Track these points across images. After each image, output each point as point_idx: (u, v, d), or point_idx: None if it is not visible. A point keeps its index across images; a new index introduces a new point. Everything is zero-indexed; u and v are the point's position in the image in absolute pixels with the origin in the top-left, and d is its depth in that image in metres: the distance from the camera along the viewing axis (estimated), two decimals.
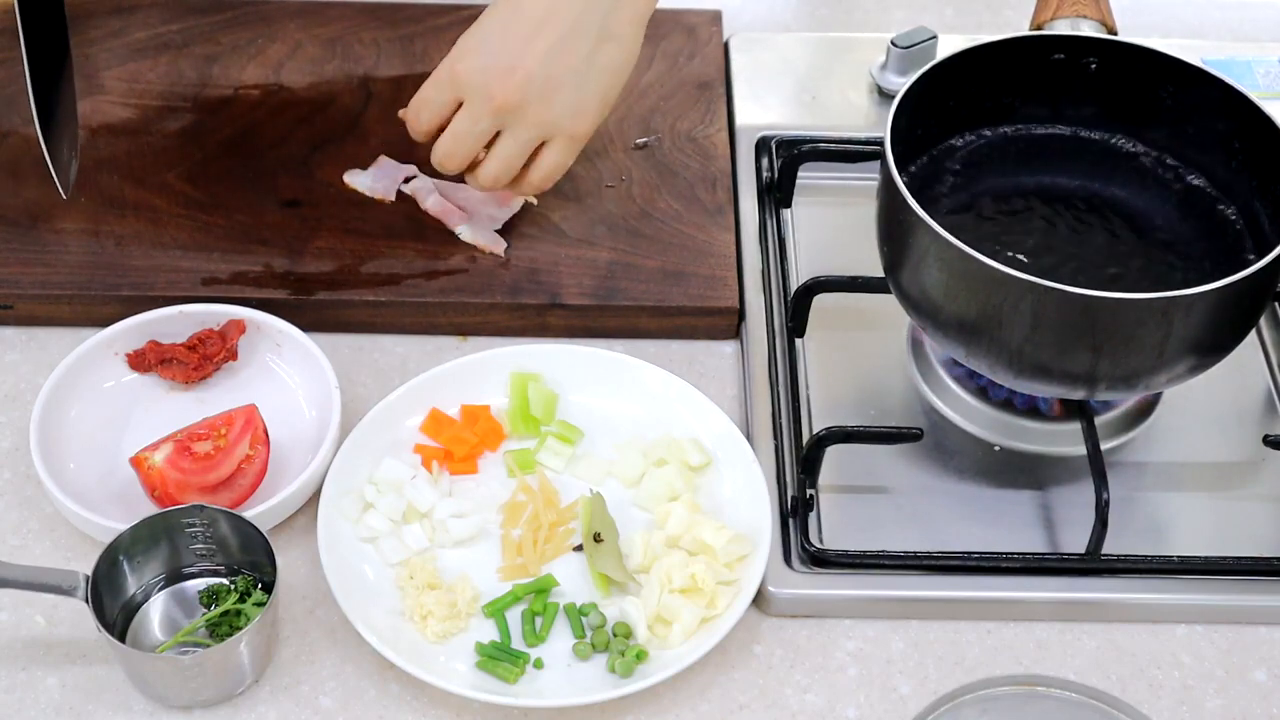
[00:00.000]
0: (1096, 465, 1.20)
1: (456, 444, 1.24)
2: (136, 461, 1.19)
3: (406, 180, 1.38)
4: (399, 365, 1.31)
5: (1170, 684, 1.16)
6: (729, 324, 1.33)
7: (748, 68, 1.51)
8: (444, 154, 1.28)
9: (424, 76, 1.35)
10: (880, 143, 1.19)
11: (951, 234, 1.13)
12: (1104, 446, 1.23)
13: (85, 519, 1.16)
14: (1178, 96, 1.26)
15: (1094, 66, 1.27)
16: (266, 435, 1.21)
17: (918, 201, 1.15)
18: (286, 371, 1.28)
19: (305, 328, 1.27)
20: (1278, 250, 1.12)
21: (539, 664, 1.14)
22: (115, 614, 1.12)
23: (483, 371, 1.27)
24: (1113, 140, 1.30)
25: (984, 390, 1.27)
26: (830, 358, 1.31)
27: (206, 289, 1.31)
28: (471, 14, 1.50)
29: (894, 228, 1.20)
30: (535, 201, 1.36)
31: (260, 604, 1.11)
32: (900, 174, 1.17)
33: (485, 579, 1.18)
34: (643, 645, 1.14)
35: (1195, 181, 1.27)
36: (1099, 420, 1.24)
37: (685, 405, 1.25)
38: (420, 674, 1.10)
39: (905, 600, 1.18)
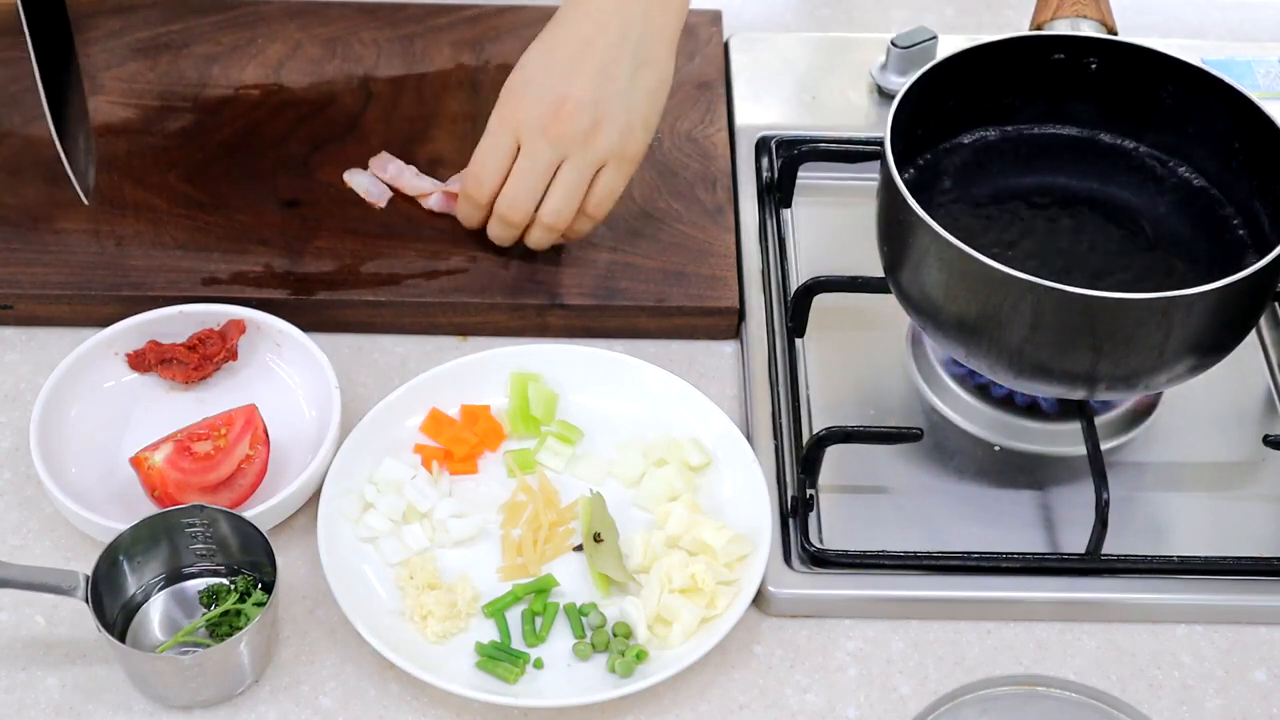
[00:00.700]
0: (1096, 465, 1.20)
1: (456, 444, 1.24)
2: (136, 461, 1.19)
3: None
4: (399, 365, 1.31)
5: (1170, 684, 1.16)
6: (729, 324, 1.33)
7: (748, 68, 1.51)
8: (510, 200, 1.28)
9: (424, 76, 1.35)
10: (880, 143, 1.19)
11: (951, 234, 1.13)
12: (1104, 446, 1.23)
13: (85, 519, 1.16)
14: (1178, 96, 1.26)
15: (1094, 66, 1.27)
16: (266, 435, 1.21)
17: (918, 201, 1.15)
18: (286, 371, 1.28)
19: (305, 328, 1.27)
20: (1278, 250, 1.12)
21: (539, 664, 1.14)
22: (115, 614, 1.12)
23: (483, 371, 1.27)
24: (1113, 140, 1.30)
25: (984, 390, 1.27)
26: (830, 358, 1.31)
27: (206, 289, 1.31)
28: (471, 14, 1.51)
29: (894, 228, 1.20)
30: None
31: (260, 604, 1.11)
32: (900, 174, 1.17)
33: (485, 579, 1.18)
34: (643, 645, 1.14)
35: (1195, 181, 1.27)
36: (1099, 420, 1.24)
37: (685, 405, 1.25)
38: (420, 674, 1.10)
39: (905, 600, 1.18)
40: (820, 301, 1.30)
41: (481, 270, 1.34)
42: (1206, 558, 1.19)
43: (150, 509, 1.16)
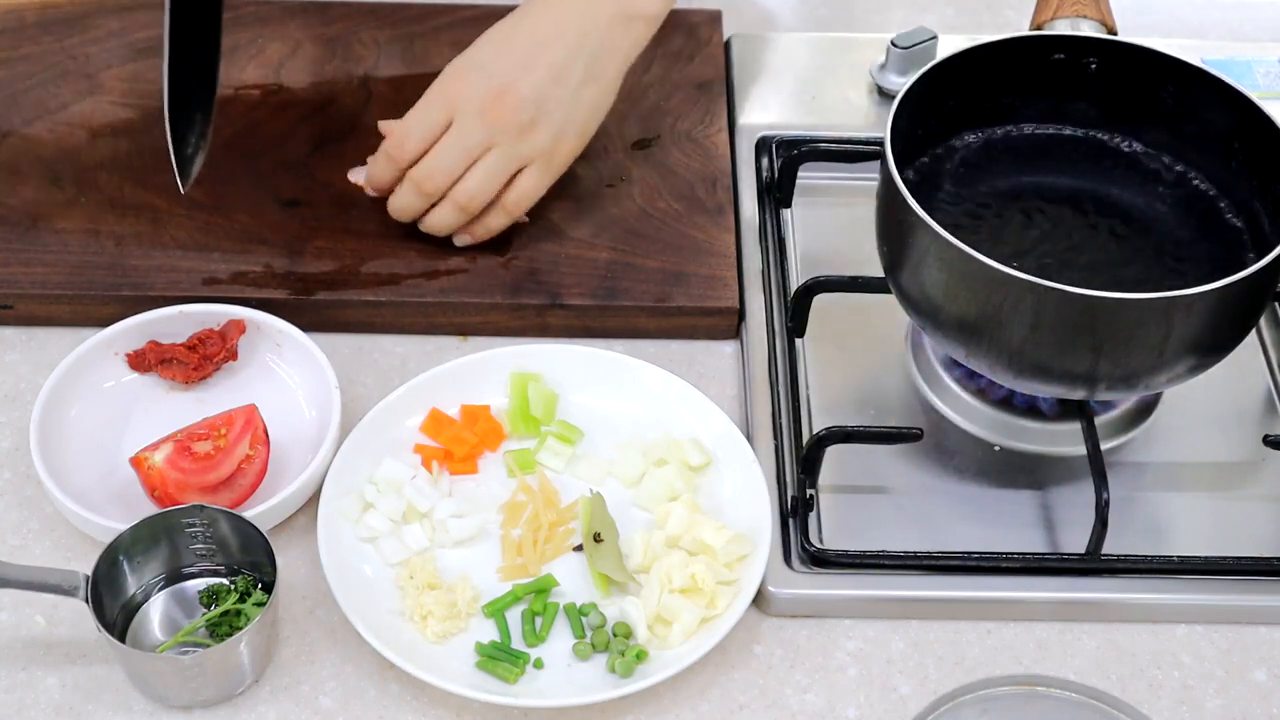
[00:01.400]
0: (1096, 465, 1.20)
1: (456, 444, 1.24)
2: (136, 461, 1.19)
3: None
4: (399, 365, 1.31)
5: (1170, 684, 1.16)
6: (729, 324, 1.33)
7: (748, 68, 1.51)
8: (428, 170, 1.29)
9: (424, 76, 1.35)
10: (880, 143, 1.19)
11: (951, 234, 1.13)
12: (1104, 446, 1.23)
13: (85, 519, 1.16)
14: (1178, 96, 1.26)
15: (1094, 66, 1.27)
16: (266, 435, 1.21)
17: (918, 201, 1.15)
18: (286, 371, 1.28)
19: (305, 328, 1.27)
20: (1278, 250, 1.12)
21: (539, 664, 1.14)
22: (115, 614, 1.12)
23: (483, 371, 1.27)
24: (1113, 140, 1.30)
25: (984, 390, 1.27)
26: (830, 358, 1.31)
27: (206, 289, 1.31)
28: (471, 14, 1.51)
29: (894, 228, 1.20)
30: (527, 219, 1.36)
31: (260, 604, 1.11)
32: (900, 174, 1.17)
33: (485, 579, 1.18)
34: (643, 645, 1.14)
35: (1195, 181, 1.27)
36: (1099, 420, 1.24)
37: (685, 405, 1.25)
38: (420, 674, 1.10)
39: (905, 600, 1.18)
40: (820, 301, 1.30)
41: (481, 270, 1.34)
42: (1206, 558, 1.19)
43: (150, 509, 1.16)
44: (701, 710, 1.13)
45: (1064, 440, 1.25)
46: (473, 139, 1.28)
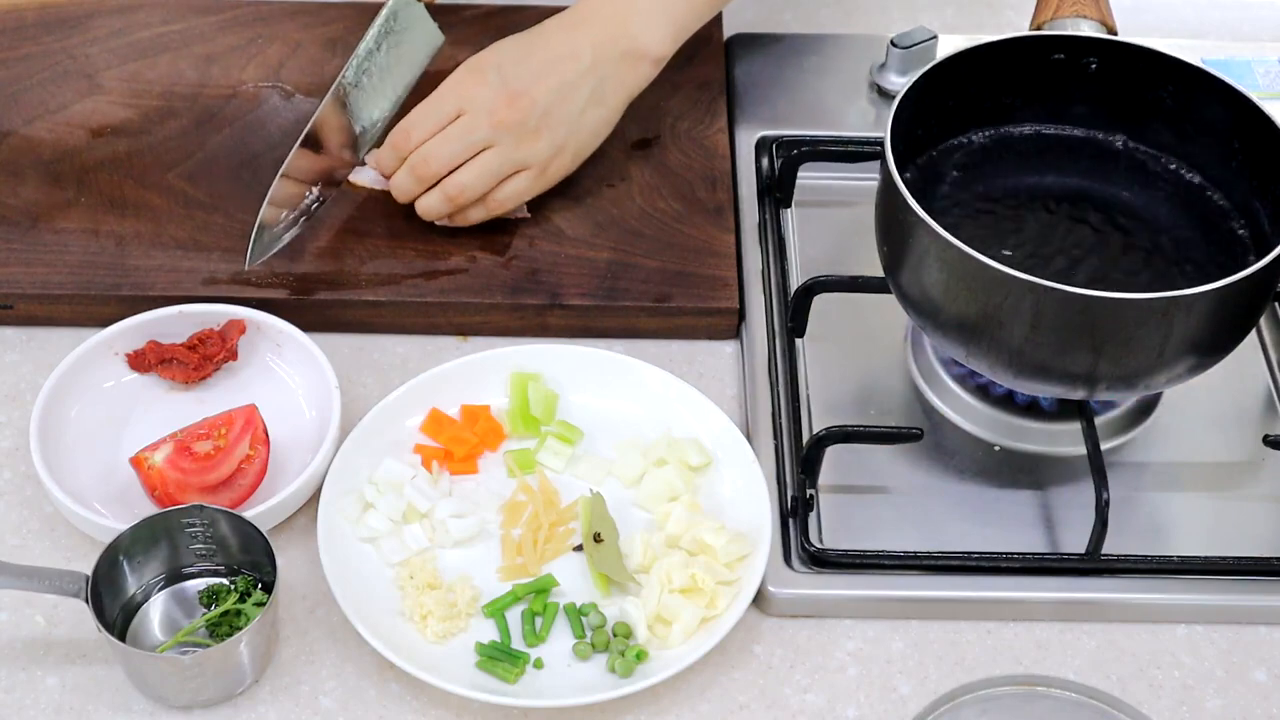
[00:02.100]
0: (1096, 465, 1.20)
1: (456, 444, 1.24)
2: (136, 461, 1.19)
3: None
4: (399, 365, 1.31)
5: (1170, 684, 1.16)
6: (729, 324, 1.33)
7: (748, 68, 1.51)
8: (426, 154, 1.31)
9: (424, 76, 1.35)
10: (880, 143, 1.19)
11: (951, 234, 1.13)
12: (1104, 446, 1.23)
13: (85, 519, 1.16)
14: (1178, 96, 1.26)
15: (1094, 66, 1.27)
16: (266, 435, 1.21)
17: (918, 201, 1.15)
18: (286, 371, 1.28)
19: (305, 328, 1.27)
20: (1278, 250, 1.12)
21: (539, 664, 1.14)
22: (115, 614, 1.12)
23: (483, 371, 1.27)
24: (1113, 140, 1.30)
25: (984, 390, 1.27)
26: (830, 358, 1.31)
27: (206, 289, 1.31)
28: (471, 14, 1.51)
29: (894, 228, 1.20)
30: (528, 215, 1.36)
31: (260, 604, 1.11)
32: (900, 174, 1.17)
33: (485, 579, 1.18)
34: (643, 645, 1.14)
35: (1195, 181, 1.27)
36: (1099, 420, 1.24)
37: (685, 405, 1.25)
38: (420, 674, 1.10)
39: (905, 600, 1.18)
40: (820, 301, 1.30)
41: (481, 270, 1.34)
42: (1206, 558, 1.19)
43: (150, 509, 1.16)
44: (701, 710, 1.13)
45: (1064, 440, 1.25)
46: (476, 135, 1.30)
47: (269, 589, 1.11)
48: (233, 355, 1.27)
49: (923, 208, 1.15)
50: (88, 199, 1.37)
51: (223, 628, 1.11)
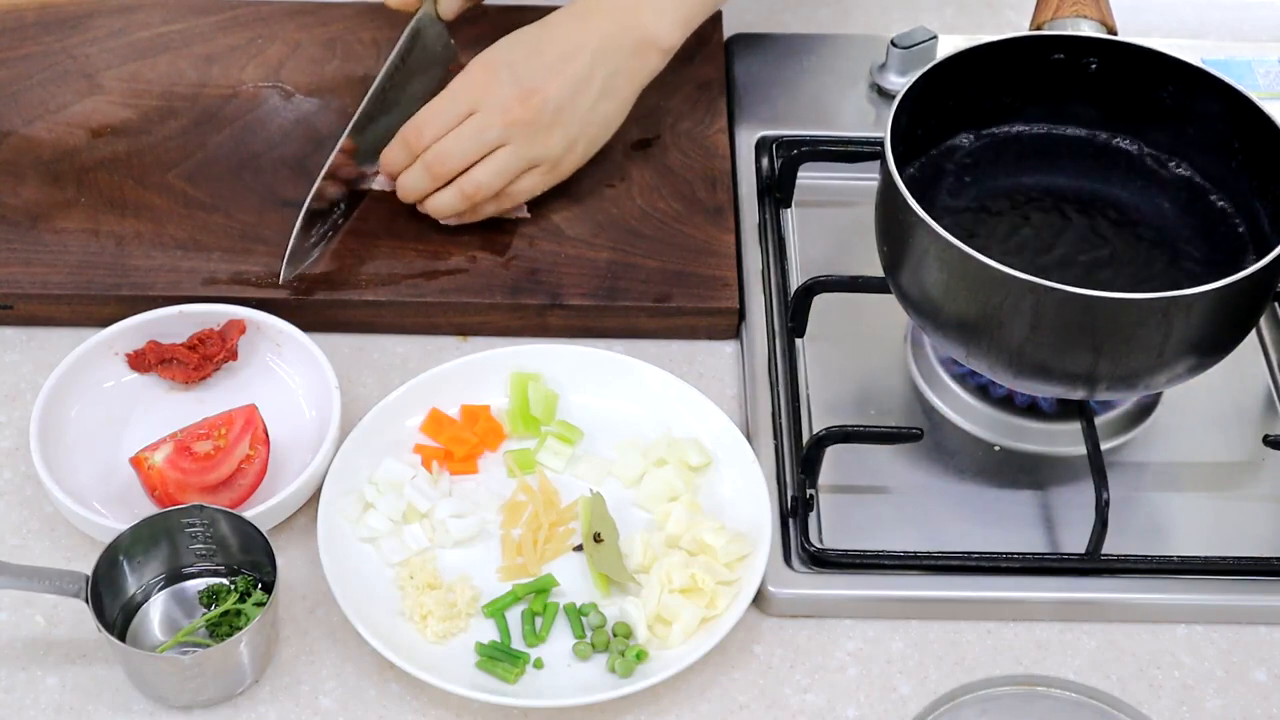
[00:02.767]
0: (1096, 465, 1.20)
1: (456, 444, 1.24)
2: (136, 461, 1.19)
3: None
4: (399, 365, 1.31)
5: (1170, 684, 1.16)
6: (729, 324, 1.33)
7: (748, 68, 1.51)
8: (440, 152, 1.31)
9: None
10: (880, 143, 1.19)
11: (951, 234, 1.13)
12: (1104, 446, 1.23)
13: (85, 519, 1.16)
14: (1178, 97, 1.26)
15: (1094, 66, 1.27)
16: (266, 435, 1.21)
17: (918, 201, 1.15)
18: (286, 371, 1.28)
19: (305, 328, 1.27)
20: (1278, 250, 1.12)
21: (539, 664, 1.14)
22: (115, 614, 1.12)
23: (483, 371, 1.27)
24: (1113, 140, 1.30)
25: (984, 390, 1.27)
26: (830, 358, 1.31)
27: (206, 289, 1.31)
28: (471, 14, 1.51)
29: (894, 228, 1.20)
30: (528, 215, 1.36)
31: (260, 604, 1.11)
32: (900, 174, 1.17)
33: (485, 579, 1.18)
34: (643, 645, 1.14)
35: (1195, 181, 1.27)
36: (1099, 420, 1.24)
37: (685, 405, 1.25)
38: (420, 674, 1.10)
39: (905, 600, 1.18)
40: (820, 301, 1.30)
41: (481, 270, 1.34)
42: (1206, 558, 1.19)
43: (150, 509, 1.16)
44: (701, 710, 1.13)
45: (1064, 440, 1.25)
46: (491, 133, 1.30)
47: (269, 589, 1.11)
48: (233, 355, 1.27)
49: (923, 208, 1.15)
50: (88, 199, 1.37)
51: (223, 628, 1.11)
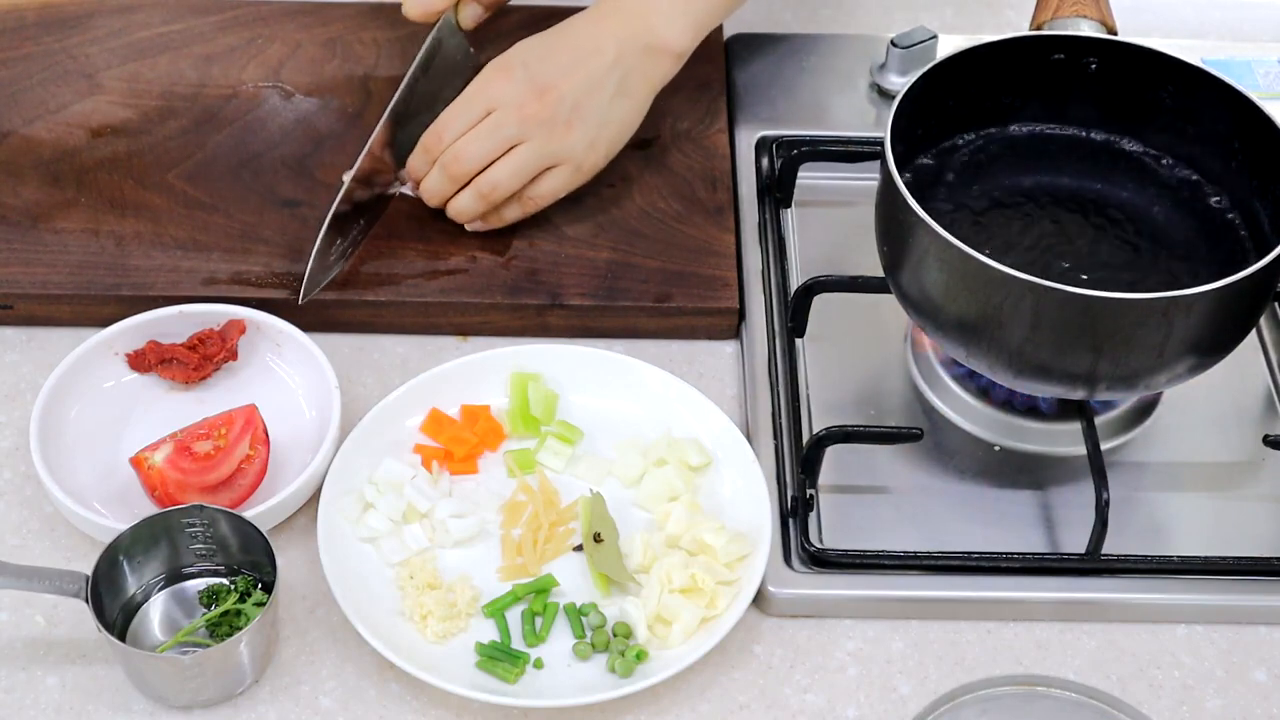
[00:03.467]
0: (1096, 465, 1.20)
1: (456, 444, 1.24)
2: (136, 461, 1.19)
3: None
4: (399, 365, 1.31)
5: (1170, 684, 1.16)
6: (729, 324, 1.33)
7: (748, 67, 1.51)
8: (457, 152, 1.31)
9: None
10: (880, 143, 1.19)
11: (951, 234, 1.13)
12: (1104, 446, 1.23)
13: (85, 519, 1.16)
14: (1178, 97, 1.26)
15: (1094, 66, 1.27)
16: (266, 435, 1.21)
17: (918, 201, 1.15)
18: (286, 371, 1.28)
19: (305, 328, 1.27)
20: (1278, 250, 1.12)
21: (539, 664, 1.14)
22: (115, 614, 1.12)
23: (483, 371, 1.27)
24: (1113, 140, 1.30)
25: (984, 390, 1.27)
26: (830, 358, 1.31)
27: (206, 289, 1.31)
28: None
29: (894, 228, 1.20)
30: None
31: (260, 604, 1.11)
32: (900, 174, 1.17)
33: (485, 579, 1.18)
34: (643, 645, 1.14)
35: (1195, 181, 1.27)
36: (1099, 420, 1.24)
37: (685, 405, 1.25)
38: (420, 674, 1.10)
39: (905, 600, 1.18)
40: (820, 301, 1.30)
41: (481, 270, 1.34)
42: (1206, 558, 1.19)
43: (150, 509, 1.16)
44: (701, 710, 1.13)
45: (1064, 440, 1.25)
46: (506, 130, 1.30)
47: (269, 589, 1.11)
48: (233, 355, 1.27)
49: (923, 208, 1.15)
50: (88, 199, 1.37)
51: (223, 628, 1.11)
